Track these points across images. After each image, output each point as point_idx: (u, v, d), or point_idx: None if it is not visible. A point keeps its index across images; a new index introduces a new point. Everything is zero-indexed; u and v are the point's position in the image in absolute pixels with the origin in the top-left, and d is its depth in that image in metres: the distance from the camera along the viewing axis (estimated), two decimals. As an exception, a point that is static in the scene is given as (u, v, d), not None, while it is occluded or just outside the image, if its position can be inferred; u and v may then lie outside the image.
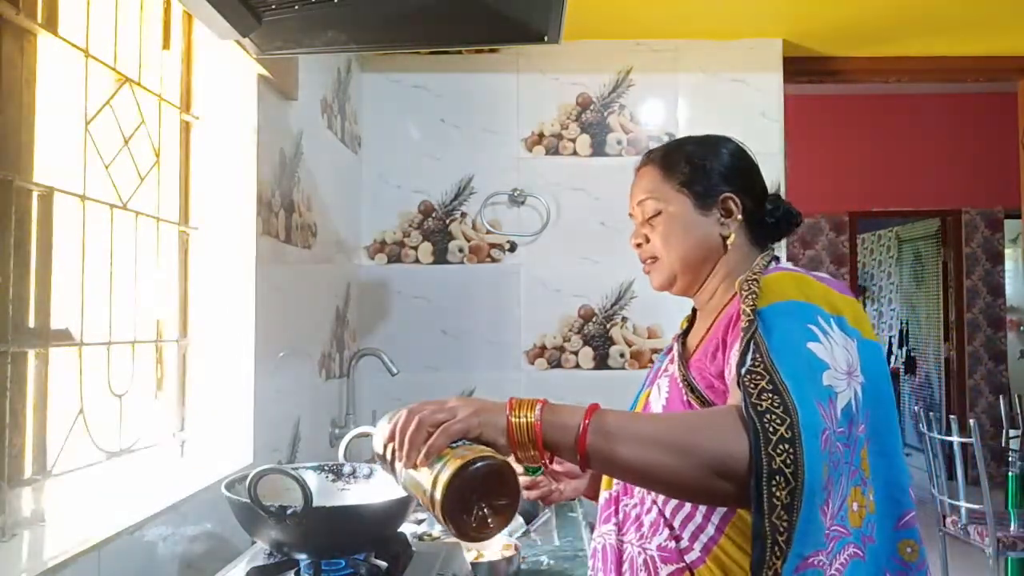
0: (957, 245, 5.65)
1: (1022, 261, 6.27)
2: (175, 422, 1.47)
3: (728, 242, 1.09)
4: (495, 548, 1.60)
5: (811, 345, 0.85)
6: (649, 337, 2.58)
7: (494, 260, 2.59)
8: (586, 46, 2.60)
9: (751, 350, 0.85)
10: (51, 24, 1.12)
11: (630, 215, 1.16)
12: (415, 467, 0.82)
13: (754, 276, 0.95)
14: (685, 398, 1.01)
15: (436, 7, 1.24)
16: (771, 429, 0.77)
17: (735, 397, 0.87)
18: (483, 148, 2.60)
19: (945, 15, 2.40)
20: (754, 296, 0.91)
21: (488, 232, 2.58)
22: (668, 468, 0.80)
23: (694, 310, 1.20)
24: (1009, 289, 5.86)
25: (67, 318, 1.16)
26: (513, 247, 2.59)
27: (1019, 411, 4.19)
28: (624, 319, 2.57)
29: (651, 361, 2.55)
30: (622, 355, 2.57)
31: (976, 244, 5.63)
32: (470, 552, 1.55)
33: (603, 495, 1.13)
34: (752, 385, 0.81)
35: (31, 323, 1.08)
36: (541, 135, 2.60)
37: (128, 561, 1.11)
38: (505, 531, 1.91)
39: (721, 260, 1.10)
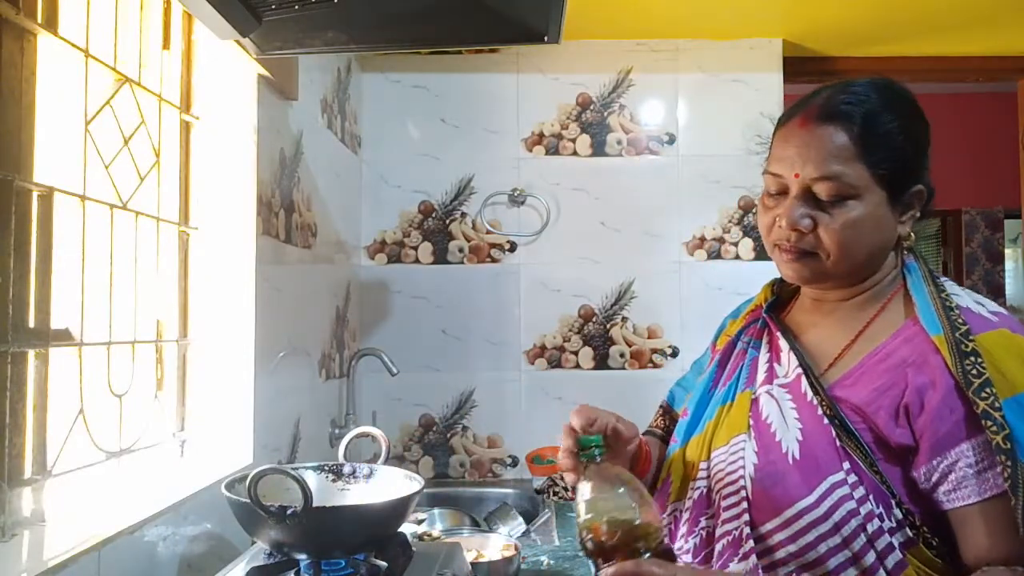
0: (957, 245, 5.65)
1: (1022, 261, 6.27)
2: (175, 422, 1.47)
3: (906, 244, 0.92)
4: (495, 548, 1.60)
5: None
6: (649, 337, 2.58)
7: (494, 260, 2.59)
8: (586, 46, 2.60)
9: (1021, 486, 0.74)
10: (51, 24, 1.12)
11: (774, 175, 0.91)
12: None
13: (969, 344, 0.79)
14: (838, 443, 0.84)
15: (436, 7, 1.24)
16: None
17: (976, 529, 0.78)
18: (483, 148, 2.60)
19: (945, 15, 2.40)
20: (988, 385, 0.77)
21: (488, 232, 2.58)
22: None
23: (780, 281, 1.03)
24: (1009, 289, 5.86)
25: (67, 318, 1.16)
26: (513, 247, 2.59)
27: (1019, 411, 4.19)
28: (624, 319, 2.57)
29: (651, 362, 2.55)
30: (622, 355, 2.57)
31: (976, 244, 5.63)
32: (470, 552, 1.55)
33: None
34: None
35: (31, 323, 1.08)
36: (541, 135, 2.60)
37: (128, 561, 1.11)
38: (505, 531, 1.92)
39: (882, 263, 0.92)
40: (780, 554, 0.83)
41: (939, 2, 2.30)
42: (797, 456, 0.84)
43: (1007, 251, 5.77)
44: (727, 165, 2.56)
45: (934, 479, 0.80)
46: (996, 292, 5.62)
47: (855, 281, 0.93)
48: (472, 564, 1.40)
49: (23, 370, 1.06)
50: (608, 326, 2.58)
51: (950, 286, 0.89)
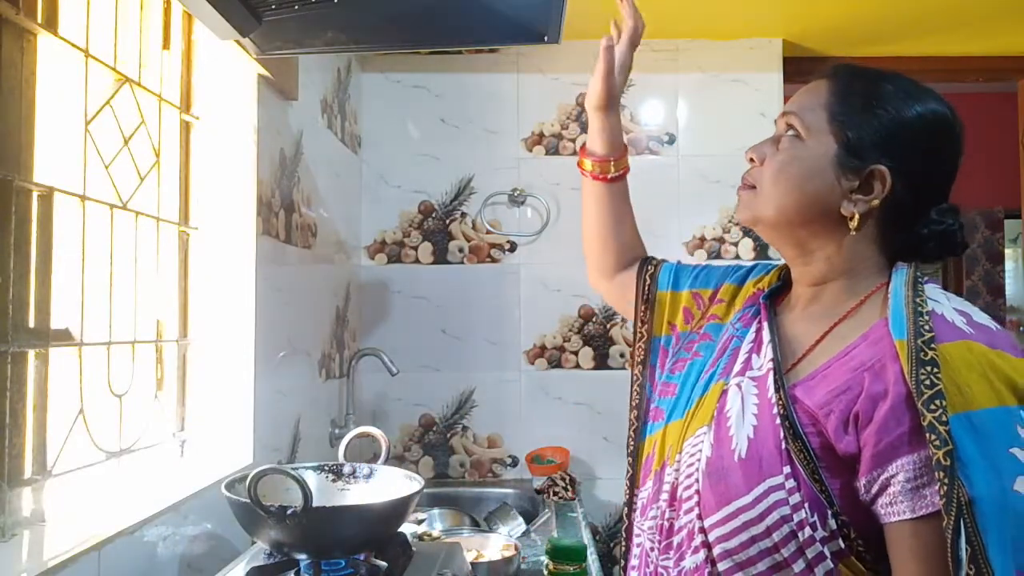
0: (957, 245, 5.65)
1: (1022, 261, 6.27)
2: (175, 422, 1.47)
3: (851, 224, 0.88)
4: (495, 548, 1.60)
5: (1019, 484, 0.71)
6: (649, 337, 2.57)
7: (494, 260, 2.59)
8: (586, 46, 2.58)
9: (955, 507, 0.70)
10: (51, 24, 1.12)
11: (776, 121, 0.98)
12: None
13: (929, 352, 0.75)
14: (783, 446, 0.82)
15: (436, 7, 1.24)
16: None
17: (906, 548, 0.75)
18: (483, 148, 2.60)
19: (945, 15, 2.40)
20: (940, 397, 0.73)
21: (488, 232, 2.58)
22: None
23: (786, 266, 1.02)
24: (1009, 289, 5.86)
25: (67, 318, 1.16)
26: (513, 247, 2.59)
27: (1019, 411, 4.19)
28: (624, 319, 2.57)
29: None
30: (622, 355, 2.57)
31: (976, 244, 5.63)
32: (470, 552, 1.55)
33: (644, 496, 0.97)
34: None
35: (31, 323, 1.08)
36: (541, 135, 2.60)
37: (128, 561, 1.11)
38: (505, 531, 1.92)
39: (833, 245, 0.90)
40: (717, 550, 0.83)
41: (939, 2, 2.30)
42: (743, 455, 0.84)
43: (1007, 251, 5.77)
44: (727, 165, 2.56)
45: (873, 491, 0.78)
46: (996, 292, 5.62)
47: (793, 242, 0.92)
48: (472, 564, 1.40)
49: (23, 370, 1.06)
50: (608, 326, 2.58)
51: (934, 292, 0.86)
